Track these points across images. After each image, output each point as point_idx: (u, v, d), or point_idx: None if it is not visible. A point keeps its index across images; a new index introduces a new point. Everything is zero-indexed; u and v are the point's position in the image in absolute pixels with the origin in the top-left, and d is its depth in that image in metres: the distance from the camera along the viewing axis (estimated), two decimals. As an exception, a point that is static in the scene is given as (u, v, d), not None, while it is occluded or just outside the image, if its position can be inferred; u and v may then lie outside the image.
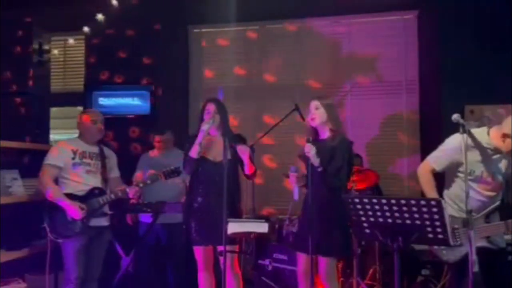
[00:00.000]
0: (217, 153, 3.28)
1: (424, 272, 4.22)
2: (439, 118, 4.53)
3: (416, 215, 2.35)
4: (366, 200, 2.48)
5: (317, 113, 3.15)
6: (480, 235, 2.86)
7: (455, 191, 3.04)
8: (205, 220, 3.24)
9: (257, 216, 4.46)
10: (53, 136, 5.72)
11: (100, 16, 5.01)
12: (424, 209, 2.33)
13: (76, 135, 3.74)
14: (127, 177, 3.95)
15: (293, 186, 3.16)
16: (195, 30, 5.65)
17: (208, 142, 3.35)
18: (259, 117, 5.42)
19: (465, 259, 2.75)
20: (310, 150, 2.95)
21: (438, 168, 3.06)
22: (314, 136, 3.17)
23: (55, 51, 5.78)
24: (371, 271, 4.28)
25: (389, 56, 5.18)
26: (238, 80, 5.53)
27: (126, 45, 5.47)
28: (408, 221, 2.38)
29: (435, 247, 2.93)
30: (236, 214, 3.28)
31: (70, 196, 3.43)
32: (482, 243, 2.89)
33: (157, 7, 5.33)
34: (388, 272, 4.17)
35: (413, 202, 2.35)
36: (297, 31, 5.45)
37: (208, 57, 5.66)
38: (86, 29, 5.25)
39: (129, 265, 3.90)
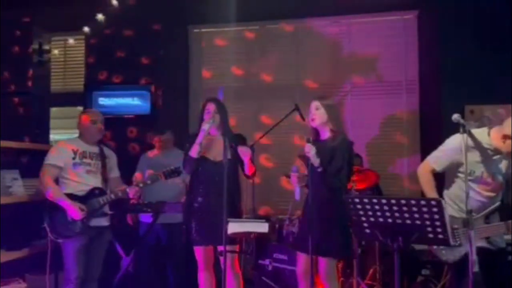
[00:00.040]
0: (217, 153, 3.29)
1: (424, 272, 4.22)
2: (439, 118, 4.53)
3: (416, 215, 2.35)
4: (366, 200, 2.48)
5: (317, 114, 3.15)
6: (480, 236, 2.86)
7: (455, 191, 3.05)
8: (205, 220, 3.24)
9: (256, 216, 4.46)
10: (53, 136, 5.72)
11: (100, 16, 5.01)
12: (424, 209, 2.33)
13: (76, 135, 3.74)
14: (125, 177, 3.95)
15: (295, 186, 3.16)
16: (195, 30, 5.65)
17: (208, 141, 3.35)
18: (259, 117, 5.43)
19: (465, 259, 2.75)
20: (310, 150, 2.95)
21: (438, 168, 3.07)
22: (315, 136, 3.17)
23: (55, 51, 5.79)
24: (371, 271, 4.28)
25: (389, 56, 5.18)
26: (238, 80, 5.54)
27: (126, 45, 5.47)
28: (408, 221, 2.38)
29: (435, 247, 2.93)
30: (236, 214, 3.28)
31: (71, 196, 3.43)
32: (482, 244, 2.89)
33: (157, 7, 5.32)
34: (388, 272, 4.17)
35: (413, 202, 2.36)
36: (297, 31, 5.45)
37: (208, 57, 5.66)
38: (86, 29, 5.25)
39: (129, 265, 3.91)
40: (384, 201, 2.42)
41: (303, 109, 3.95)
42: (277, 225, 4.50)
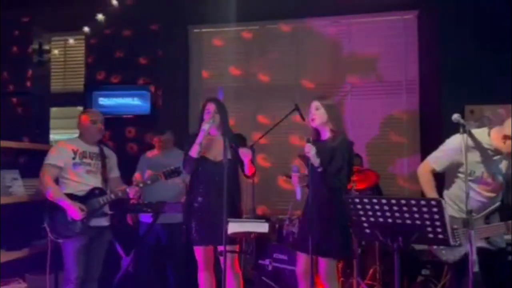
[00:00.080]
0: (217, 153, 3.29)
1: (424, 272, 4.22)
2: (439, 118, 4.53)
3: (416, 215, 2.35)
4: (366, 200, 2.48)
5: (317, 114, 3.15)
6: (480, 236, 2.86)
7: (455, 191, 3.05)
8: (206, 220, 3.24)
9: (256, 216, 4.46)
10: (53, 136, 5.72)
11: (100, 16, 5.01)
12: (424, 209, 2.33)
13: (76, 135, 3.74)
14: (124, 177, 3.94)
15: (296, 186, 3.17)
16: (195, 30, 5.65)
17: (208, 141, 3.35)
18: (259, 117, 5.43)
19: (464, 259, 2.76)
20: (310, 150, 2.95)
21: (438, 168, 3.07)
22: (316, 136, 3.17)
23: (55, 51, 5.79)
24: (371, 271, 4.28)
25: (389, 56, 5.18)
26: (238, 80, 5.54)
27: (126, 45, 5.47)
28: (408, 221, 2.38)
29: (435, 247, 2.93)
30: (237, 214, 3.28)
31: (71, 196, 3.43)
32: (482, 244, 2.89)
33: (157, 7, 5.32)
34: (388, 272, 4.17)
35: (413, 202, 2.36)
36: (296, 31, 5.45)
37: (208, 57, 5.66)
38: (86, 29, 5.25)
39: (129, 265, 3.91)
40: (384, 201, 2.42)
41: (303, 109, 3.95)
42: (277, 225, 4.50)
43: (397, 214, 2.40)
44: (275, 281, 4.22)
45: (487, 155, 2.95)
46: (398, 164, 5.13)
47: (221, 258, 2.98)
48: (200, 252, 3.33)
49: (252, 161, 3.32)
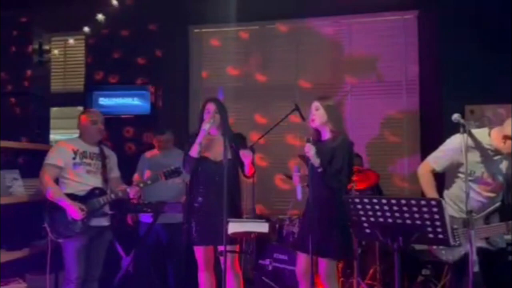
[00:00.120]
0: (217, 153, 3.28)
1: (425, 272, 4.22)
2: (439, 118, 4.53)
3: (417, 215, 2.35)
4: (366, 200, 2.49)
5: (317, 114, 3.15)
6: (480, 236, 2.86)
7: (455, 191, 3.05)
8: (206, 220, 3.24)
9: (256, 216, 4.46)
10: (53, 136, 5.72)
11: (100, 16, 5.01)
12: (425, 209, 2.33)
13: (76, 135, 3.75)
14: (123, 177, 3.94)
15: (297, 186, 3.17)
16: (196, 30, 5.65)
17: (208, 141, 3.35)
18: (259, 117, 5.43)
19: (464, 259, 2.76)
20: (310, 150, 2.96)
21: (439, 168, 3.07)
22: (316, 137, 3.17)
23: (55, 51, 5.79)
24: (371, 271, 4.28)
25: (389, 56, 5.18)
26: (238, 80, 5.54)
27: (125, 45, 5.46)
28: (408, 221, 2.38)
29: (435, 247, 2.93)
30: (237, 213, 3.29)
31: (71, 196, 3.43)
32: (482, 244, 2.89)
33: (157, 7, 5.32)
34: (388, 272, 4.17)
35: (413, 202, 2.36)
36: (296, 31, 5.45)
37: (208, 57, 5.66)
38: (86, 29, 5.25)
39: (129, 265, 3.90)
40: (384, 201, 2.42)
41: (303, 109, 3.95)
42: (277, 225, 4.50)
43: (397, 214, 2.40)
44: (275, 281, 4.21)
45: (487, 155, 2.95)
46: (398, 164, 5.13)
47: (221, 258, 2.98)
48: (200, 252, 3.33)
49: (253, 162, 3.32)
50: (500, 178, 2.96)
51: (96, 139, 3.69)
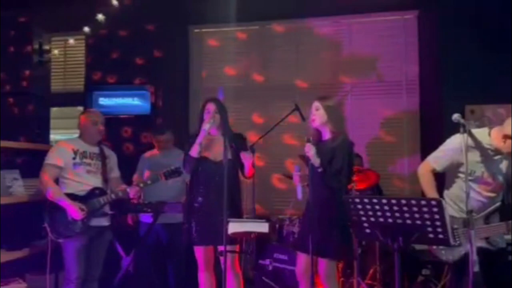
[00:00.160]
0: (217, 153, 3.28)
1: (425, 272, 4.22)
2: (440, 118, 4.53)
3: (417, 215, 2.35)
4: (366, 200, 2.49)
5: (317, 114, 3.15)
6: (480, 236, 2.86)
7: (455, 191, 3.05)
8: (206, 220, 3.24)
9: (256, 216, 4.46)
10: (53, 136, 5.72)
11: (100, 16, 5.01)
12: (425, 209, 2.33)
13: (76, 135, 3.75)
14: (124, 177, 3.94)
15: (297, 185, 3.17)
16: (196, 30, 5.65)
17: (208, 141, 3.35)
18: (259, 117, 5.43)
19: (465, 259, 2.76)
20: (310, 150, 2.96)
21: (439, 168, 3.07)
22: (317, 137, 3.17)
23: (55, 51, 5.79)
24: (371, 271, 4.28)
25: (389, 56, 5.18)
26: (238, 80, 5.54)
27: (125, 45, 5.46)
28: (408, 221, 2.38)
29: (435, 247, 2.93)
30: (237, 213, 3.29)
31: (71, 196, 3.43)
32: (482, 244, 2.89)
33: (157, 7, 5.32)
34: (388, 272, 4.17)
35: (413, 202, 2.36)
36: (297, 31, 5.45)
37: (208, 57, 5.66)
38: (86, 29, 5.25)
39: (129, 265, 3.90)
40: (384, 201, 2.42)
41: (303, 109, 3.95)
42: (277, 225, 4.50)
43: (397, 214, 2.40)
44: (275, 281, 4.21)
45: (487, 155, 2.95)
46: (398, 164, 5.13)
47: (221, 258, 2.98)
48: (200, 252, 3.33)
49: (253, 164, 3.33)
50: (500, 178, 2.96)
51: (96, 139, 3.69)
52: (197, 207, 3.30)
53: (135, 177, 4.28)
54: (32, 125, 5.07)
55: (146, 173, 4.25)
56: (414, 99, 5.14)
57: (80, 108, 5.26)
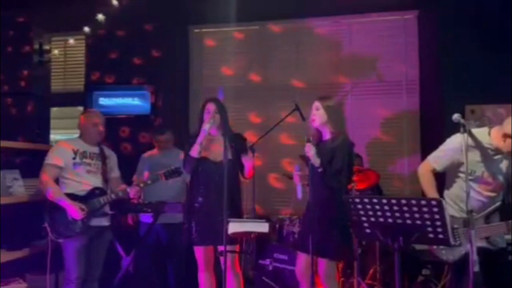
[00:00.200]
0: (217, 153, 3.28)
1: (425, 272, 4.22)
2: (440, 118, 4.53)
3: (417, 215, 2.35)
4: (366, 200, 2.49)
5: (317, 114, 3.15)
6: (480, 236, 2.86)
7: (455, 191, 3.05)
8: (206, 220, 3.24)
9: (256, 216, 4.46)
10: (53, 136, 5.72)
11: (100, 16, 5.02)
12: (425, 209, 2.33)
13: (76, 135, 3.75)
14: (123, 177, 3.94)
15: (297, 185, 3.17)
16: (196, 30, 5.65)
17: (208, 142, 3.34)
18: (259, 117, 5.43)
19: (465, 259, 2.76)
20: (310, 150, 2.96)
21: (439, 168, 3.07)
22: (318, 137, 3.17)
23: (55, 51, 5.79)
24: (371, 271, 4.28)
25: (389, 56, 5.18)
26: (238, 80, 5.53)
27: (124, 45, 5.46)
28: (408, 221, 2.38)
29: (435, 247, 2.93)
30: (237, 214, 3.29)
31: (71, 196, 3.43)
32: (482, 244, 2.89)
33: (157, 7, 5.32)
34: (388, 272, 4.17)
35: (413, 202, 2.36)
36: (297, 31, 5.46)
37: (208, 57, 5.67)
38: (86, 29, 5.25)
39: (129, 265, 3.90)
40: (384, 201, 2.42)
41: (304, 109, 3.95)
42: (277, 225, 4.50)
43: (397, 214, 2.40)
44: (276, 281, 4.21)
45: (488, 155, 2.95)
46: (398, 164, 5.14)
47: (221, 258, 2.98)
48: (200, 252, 3.33)
49: (253, 166, 3.33)
50: (500, 178, 2.96)
51: (96, 140, 3.69)
52: (197, 207, 3.30)
53: (135, 177, 4.28)
54: (32, 125, 5.06)
55: (146, 173, 4.25)
56: (414, 99, 5.14)
57: (80, 108, 5.25)
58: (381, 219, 2.45)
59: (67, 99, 5.77)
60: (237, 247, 3.32)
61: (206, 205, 3.27)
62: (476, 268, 2.72)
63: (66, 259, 3.45)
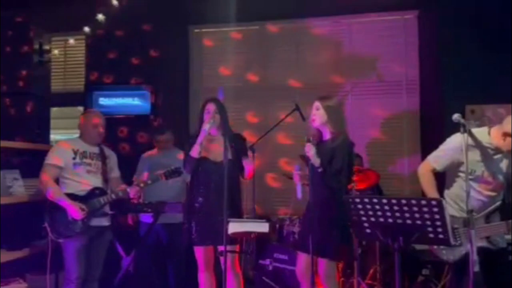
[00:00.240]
0: (217, 153, 3.28)
1: (425, 272, 4.22)
2: (440, 118, 4.53)
3: (417, 215, 2.35)
4: (366, 200, 2.49)
5: (317, 114, 3.15)
6: (481, 235, 2.86)
7: (455, 191, 3.05)
8: (206, 220, 3.24)
9: (256, 216, 4.46)
10: (53, 136, 5.72)
11: (100, 16, 5.02)
12: (425, 209, 2.33)
13: (76, 135, 3.75)
14: (123, 177, 3.94)
15: (297, 184, 3.17)
16: (196, 30, 5.65)
17: (208, 142, 3.35)
18: (259, 117, 5.43)
19: (465, 259, 2.76)
20: (310, 150, 2.96)
21: (439, 167, 3.07)
22: (318, 137, 3.17)
23: (55, 51, 5.79)
24: (371, 271, 4.28)
25: (389, 56, 5.18)
26: (238, 80, 5.53)
27: (124, 46, 5.46)
28: (408, 221, 2.38)
29: (435, 246, 2.93)
30: (237, 214, 3.29)
31: (71, 196, 3.43)
32: (482, 243, 2.89)
33: (157, 7, 5.32)
34: (388, 272, 4.17)
35: (413, 202, 2.36)
36: (297, 31, 5.45)
37: (208, 57, 5.66)
38: (86, 29, 5.25)
39: (129, 265, 3.90)
40: (384, 201, 2.42)
41: (303, 109, 3.95)
42: (277, 225, 4.50)
43: (397, 214, 2.40)
44: (276, 281, 4.21)
45: (488, 154, 2.95)
46: (398, 164, 5.13)
47: (221, 258, 2.98)
48: (200, 252, 3.33)
49: (253, 168, 3.34)
50: (501, 177, 2.96)
51: (96, 140, 3.69)
52: (197, 207, 3.30)
53: (135, 177, 4.28)
54: (32, 125, 5.06)
55: (146, 173, 4.24)
56: (414, 99, 5.14)
57: (80, 108, 5.26)
58: (381, 219, 2.45)
59: (67, 99, 5.77)
60: (237, 247, 3.32)
61: (206, 205, 3.27)
62: (476, 268, 2.72)
63: (66, 259, 3.45)
